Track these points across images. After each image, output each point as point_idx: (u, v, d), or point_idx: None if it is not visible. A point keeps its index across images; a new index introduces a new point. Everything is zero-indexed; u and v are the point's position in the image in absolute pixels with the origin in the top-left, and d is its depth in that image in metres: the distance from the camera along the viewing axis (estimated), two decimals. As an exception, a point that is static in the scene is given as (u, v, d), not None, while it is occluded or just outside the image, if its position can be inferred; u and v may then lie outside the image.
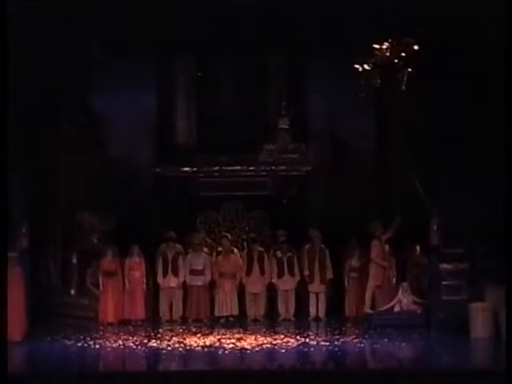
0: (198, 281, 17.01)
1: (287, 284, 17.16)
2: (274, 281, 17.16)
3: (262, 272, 17.14)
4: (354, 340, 15.03)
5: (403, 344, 14.83)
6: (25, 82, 15.87)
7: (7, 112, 13.54)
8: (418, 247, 16.78)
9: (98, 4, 16.24)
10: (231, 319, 16.93)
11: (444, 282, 15.76)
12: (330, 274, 17.17)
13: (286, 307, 17.20)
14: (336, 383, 12.58)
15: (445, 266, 15.78)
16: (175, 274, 17.03)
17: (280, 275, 17.11)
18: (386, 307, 16.41)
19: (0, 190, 12.86)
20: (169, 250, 17.18)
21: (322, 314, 17.14)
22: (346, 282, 17.01)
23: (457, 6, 15.13)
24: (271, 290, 17.34)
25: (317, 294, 17.17)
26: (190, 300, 17.07)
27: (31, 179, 16.44)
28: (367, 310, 16.65)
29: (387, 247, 16.73)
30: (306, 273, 17.16)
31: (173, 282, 17.06)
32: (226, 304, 16.98)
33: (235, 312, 17.03)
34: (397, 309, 16.31)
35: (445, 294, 15.72)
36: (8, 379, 11.79)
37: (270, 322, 16.81)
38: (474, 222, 15.56)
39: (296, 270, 17.15)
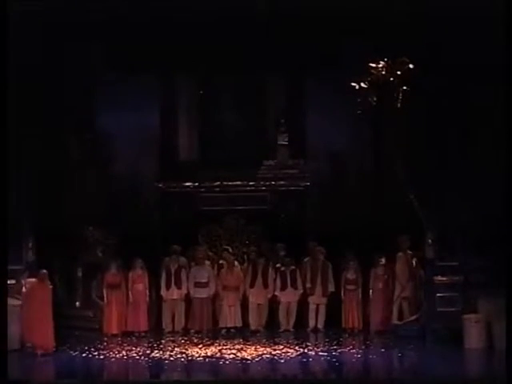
0: (203, 293, 17.19)
1: (290, 297, 17.30)
2: (276, 293, 17.31)
3: (266, 285, 17.31)
4: (351, 351, 15.31)
5: (399, 354, 15.14)
6: (31, 100, 16.15)
7: (12, 128, 13.82)
8: (414, 260, 16.97)
9: (104, 25, 16.57)
10: (233, 330, 17.07)
11: (438, 294, 16.02)
12: (331, 287, 17.28)
13: (287, 319, 17.33)
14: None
15: (439, 278, 16.06)
16: (178, 286, 17.21)
17: (283, 288, 17.26)
18: (411, 318, 16.69)
19: (1, 202, 13.04)
20: (172, 263, 17.34)
21: (320, 326, 17.31)
22: (342, 294, 17.20)
23: (453, 24, 15.41)
24: (272, 302, 17.47)
25: (317, 306, 17.32)
26: (194, 312, 17.25)
27: (38, 194, 16.66)
28: (395, 321, 16.85)
29: (414, 263, 16.91)
30: (308, 285, 17.32)
31: (176, 294, 17.25)
32: (230, 316, 17.13)
33: (239, 323, 17.17)
34: (423, 320, 16.47)
35: (439, 305, 16.00)
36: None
37: (271, 333, 16.96)
38: (467, 237, 15.82)
39: (299, 282, 17.29)
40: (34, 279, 15.53)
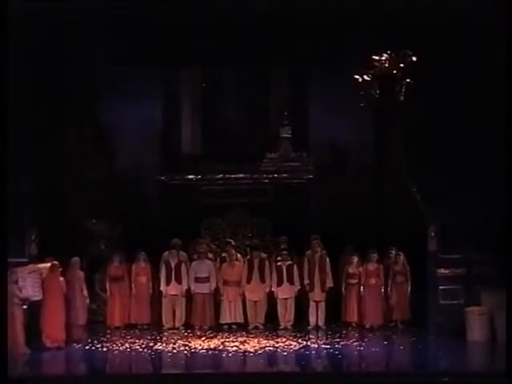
0: (204, 288, 16.95)
1: (287, 292, 16.94)
2: (273, 289, 16.94)
3: (263, 280, 16.98)
4: (354, 343, 15.34)
5: (402, 347, 15.19)
6: (33, 93, 16.16)
7: (14, 121, 13.83)
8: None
9: (106, 17, 16.57)
10: (234, 326, 16.88)
11: (441, 287, 16.06)
12: (329, 282, 17.03)
13: (285, 315, 16.96)
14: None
15: (442, 271, 16.09)
16: (178, 281, 16.99)
17: (279, 283, 16.90)
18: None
19: (2, 197, 13.07)
20: (172, 258, 17.11)
21: (321, 323, 16.95)
22: (343, 288, 17.08)
23: (455, 17, 15.42)
24: (272, 298, 17.13)
25: (317, 303, 17.03)
26: (195, 308, 17.01)
27: (41, 188, 16.65)
28: None
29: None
30: (307, 281, 17.04)
31: (176, 289, 17.02)
32: (230, 311, 16.93)
33: (240, 319, 16.95)
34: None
35: (442, 298, 16.04)
36: (9, 382, 12.00)
37: (270, 330, 16.61)
38: (469, 229, 15.85)
39: (296, 278, 16.97)
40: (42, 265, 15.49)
